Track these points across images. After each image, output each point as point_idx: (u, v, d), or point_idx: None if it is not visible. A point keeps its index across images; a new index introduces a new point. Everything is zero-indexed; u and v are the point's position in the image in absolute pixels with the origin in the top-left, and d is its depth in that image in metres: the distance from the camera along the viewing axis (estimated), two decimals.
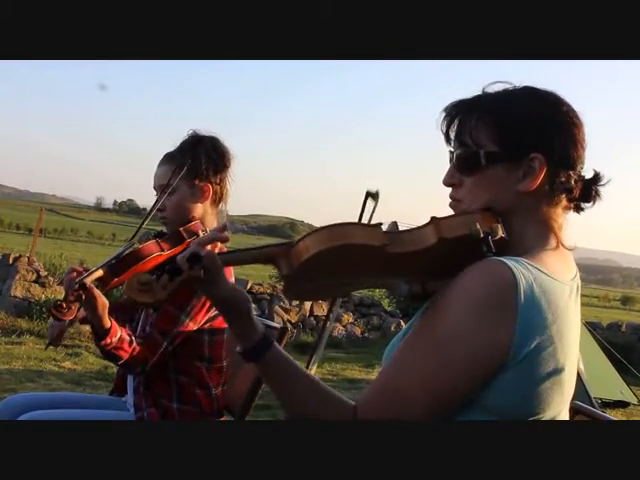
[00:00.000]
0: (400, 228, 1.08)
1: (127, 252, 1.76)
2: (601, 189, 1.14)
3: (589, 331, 8.65)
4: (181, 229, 1.92)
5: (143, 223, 1.95)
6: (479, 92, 1.15)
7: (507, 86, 1.14)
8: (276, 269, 1.08)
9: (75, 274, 1.71)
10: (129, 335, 1.84)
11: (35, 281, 8.14)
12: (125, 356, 1.81)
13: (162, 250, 1.85)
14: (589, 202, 1.15)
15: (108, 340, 1.77)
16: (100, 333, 1.77)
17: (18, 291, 7.96)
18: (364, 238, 1.01)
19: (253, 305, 9.32)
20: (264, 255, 1.09)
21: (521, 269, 0.99)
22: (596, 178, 1.14)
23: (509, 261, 0.99)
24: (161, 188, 2.00)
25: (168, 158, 2.06)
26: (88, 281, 1.67)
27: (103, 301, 1.73)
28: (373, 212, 1.36)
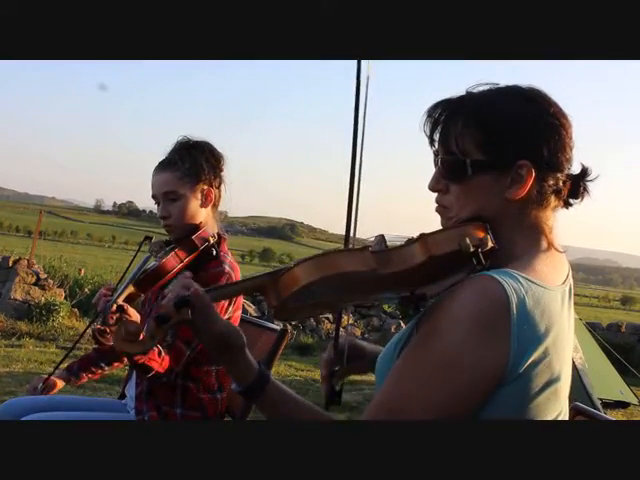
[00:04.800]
0: (387, 240, 1.06)
1: (152, 268, 1.82)
2: (590, 185, 1.12)
3: (589, 331, 8.65)
4: (193, 237, 1.95)
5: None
6: (463, 92, 1.11)
7: (491, 86, 1.11)
8: (264, 299, 1.07)
9: (106, 296, 1.75)
10: (157, 346, 1.85)
11: (35, 283, 8.14)
12: (156, 366, 1.81)
13: (181, 261, 1.89)
14: (577, 198, 1.12)
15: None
16: None
17: (18, 294, 7.96)
18: (353, 265, 1.00)
19: (253, 307, 9.32)
20: (252, 287, 1.08)
21: (512, 283, 0.97)
22: (584, 173, 1.11)
23: (500, 276, 0.98)
24: (165, 196, 2.01)
25: (167, 164, 2.04)
26: (120, 300, 1.68)
27: (138, 317, 1.75)
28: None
